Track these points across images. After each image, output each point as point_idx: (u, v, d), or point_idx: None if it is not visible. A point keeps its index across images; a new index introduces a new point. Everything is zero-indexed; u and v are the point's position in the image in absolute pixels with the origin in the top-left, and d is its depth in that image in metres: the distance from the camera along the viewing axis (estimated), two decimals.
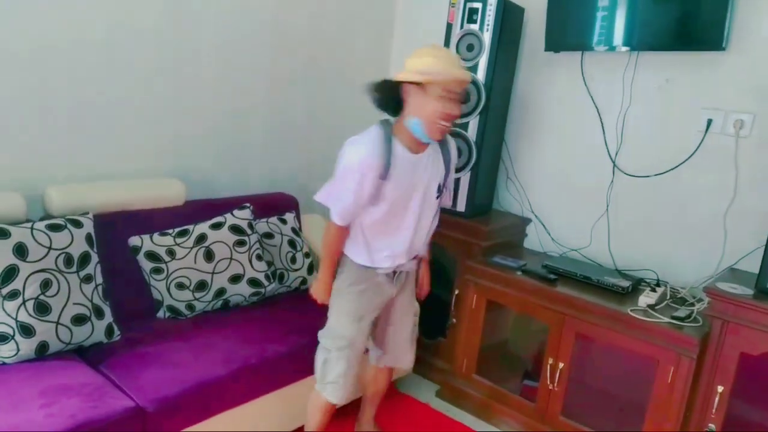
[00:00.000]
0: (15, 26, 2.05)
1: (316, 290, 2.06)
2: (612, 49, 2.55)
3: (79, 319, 1.91)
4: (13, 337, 1.78)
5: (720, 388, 2.05)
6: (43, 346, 1.83)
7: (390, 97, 1.82)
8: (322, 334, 2.05)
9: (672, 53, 2.47)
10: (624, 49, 2.53)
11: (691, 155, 2.44)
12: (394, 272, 2.02)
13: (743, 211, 2.35)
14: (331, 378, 2.00)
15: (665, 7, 2.41)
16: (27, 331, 1.79)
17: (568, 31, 2.67)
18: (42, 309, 1.83)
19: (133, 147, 2.47)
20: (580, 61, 2.71)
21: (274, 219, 2.67)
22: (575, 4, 2.62)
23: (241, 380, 1.98)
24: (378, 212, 1.87)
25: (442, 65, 1.73)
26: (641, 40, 2.49)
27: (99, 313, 1.98)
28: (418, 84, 1.73)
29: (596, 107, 2.70)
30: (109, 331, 2.00)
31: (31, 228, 1.89)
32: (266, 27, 2.82)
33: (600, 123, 2.69)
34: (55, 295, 1.86)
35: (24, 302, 1.80)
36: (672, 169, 2.50)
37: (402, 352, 2.21)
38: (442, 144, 1.95)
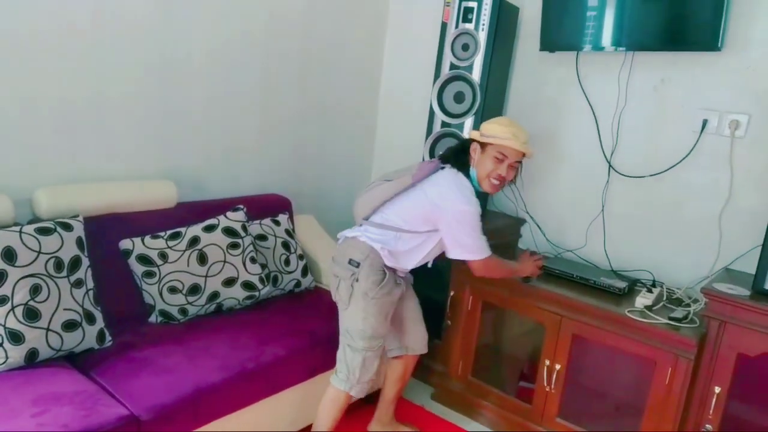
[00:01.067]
0: (1, 27, 1.99)
1: (533, 269, 2.35)
2: (605, 48, 2.54)
3: (69, 325, 1.86)
4: (1, 344, 1.73)
5: (717, 389, 2.05)
6: (32, 354, 1.78)
7: (461, 149, 2.17)
8: (353, 337, 2.08)
9: (667, 53, 2.47)
10: (619, 49, 2.52)
11: (687, 155, 2.44)
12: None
13: (738, 211, 2.35)
14: (367, 377, 2.10)
15: (659, 7, 2.41)
16: (16, 338, 1.75)
17: (563, 31, 2.65)
18: (31, 315, 1.78)
19: (124, 148, 2.42)
20: (575, 61, 2.70)
21: (267, 221, 2.63)
22: (570, 4, 2.60)
23: (238, 385, 1.94)
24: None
25: (502, 133, 2.06)
26: (636, 40, 2.49)
27: (90, 319, 1.93)
28: (481, 144, 2.10)
29: (591, 107, 2.69)
30: (100, 336, 1.96)
31: (20, 231, 1.84)
32: (258, 27, 2.79)
33: (595, 123, 2.69)
34: (44, 300, 1.81)
35: (13, 308, 1.75)
36: (667, 169, 2.50)
37: (419, 332, 2.37)
38: None
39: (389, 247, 2.07)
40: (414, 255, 2.14)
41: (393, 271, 2.11)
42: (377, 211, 2.16)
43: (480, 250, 2.08)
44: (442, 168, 2.15)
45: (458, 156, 2.15)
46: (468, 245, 2.07)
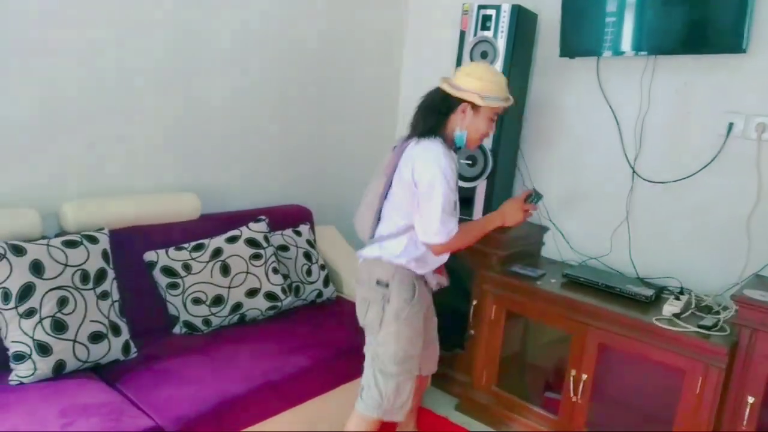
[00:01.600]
0: (30, 45, 2.04)
1: (516, 212, 2.02)
2: (627, 53, 2.52)
3: (96, 337, 1.88)
4: (30, 356, 1.76)
5: (751, 399, 2.00)
6: (60, 365, 1.80)
7: (446, 106, 1.92)
8: (384, 362, 1.94)
9: (690, 56, 2.43)
10: (640, 53, 2.49)
11: (713, 160, 2.40)
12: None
13: (767, 216, 2.30)
14: (401, 402, 1.98)
15: (680, 10, 2.38)
16: (44, 349, 1.77)
17: (583, 37, 2.63)
18: (59, 327, 1.80)
19: (148, 161, 2.46)
20: (596, 66, 2.68)
21: (288, 231, 2.64)
22: (590, 9, 2.58)
23: (261, 396, 1.94)
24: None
25: (499, 92, 1.92)
26: (657, 44, 2.46)
27: (116, 331, 1.95)
28: (473, 105, 1.89)
29: (613, 113, 2.66)
30: (125, 348, 1.98)
31: (47, 245, 1.87)
32: (277, 42, 2.81)
33: (617, 128, 2.65)
34: (71, 312, 1.84)
35: (41, 320, 1.78)
36: (693, 174, 2.45)
37: (435, 352, 2.27)
38: None
39: (414, 256, 1.93)
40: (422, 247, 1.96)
41: (423, 281, 2.02)
42: (381, 220, 2.00)
43: (437, 229, 1.84)
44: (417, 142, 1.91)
45: (440, 113, 1.92)
46: (429, 223, 1.85)
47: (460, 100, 1.90)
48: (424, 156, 1.85)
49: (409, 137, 1.95)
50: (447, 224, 1.84)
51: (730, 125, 2.35)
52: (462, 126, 1.92)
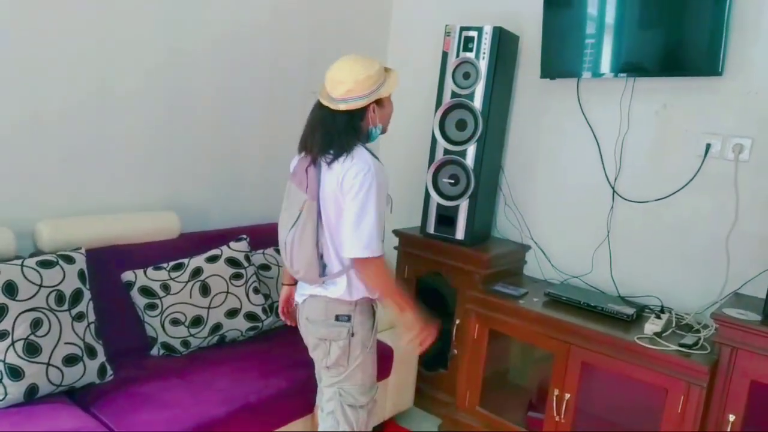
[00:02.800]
0: (6, 60, 2.01)
1: (423, 334, 1.81)
2: (605, 75, 2.56)
3: (70, 360, 1.83)
4: (0, 380, 1.70)
5: (732, 417, 2.01)
6: (32, 389, 1.75)
7: (359, 119, 1.79)
8: (353, 395, 1.86)
9: (668, 79, 2.48)
10: (619, 75, 2.53)
11: (691, 180, 2.43)
12: None
13: (745, 235, 2.33)
14: (371, 425, 1.95)
15: (658, 33, 2.43)
16: (15, 373, 1.72)
17: (563, 59, 2.67)
18: (32, 350, 1.75)
19: (127, 180, 2.42)
20: (576, 87, 2.71)
21: (270, 250, 2.62)
22: (570, 32, 2.63)
23: (241, 420, 1.90)
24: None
25: (381, 74, 1.79)
26: (636, 66, 2.50)
27: (91, 353, 1.90)
28: (377, 99, 1.79)
29: (593, 133, 2.69)
30: (101, 371, 1.93)
31: (21, 265, 1.83)
32: (262, 59, 2.82)
33: (598, 149, 2.68)
34: (45, 334, 1.79)
35: (13, 343, 1.73)
36: (672, 194, 2.48)
37: None
38: None
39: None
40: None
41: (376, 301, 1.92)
42: (325, 254, 1.80)
43: (366, 243, 1.69)
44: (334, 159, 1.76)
45: (351, 138, 1.77)
46: (362, 234, 1.69)
47: (366, 107, 1.77)
48: (355, 165, 1.72)
49: (322, 160, 1.77)
50: (378, 238, 1.71)
51: (708, 146, 2.39)
52: (375, 123, 1.81)
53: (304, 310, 1.88)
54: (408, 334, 1.83)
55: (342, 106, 1.76)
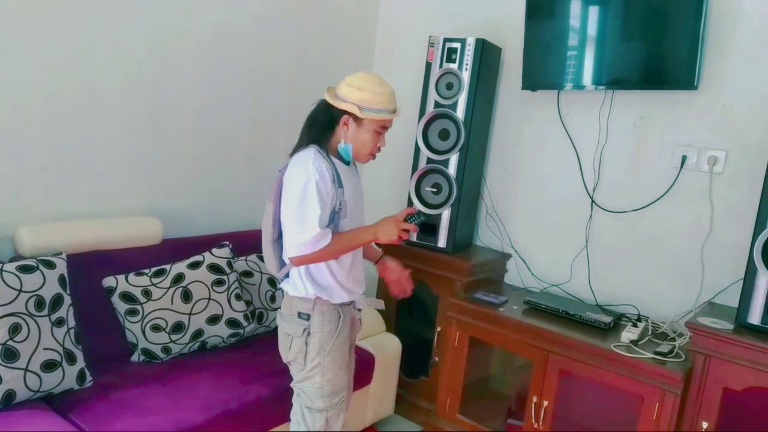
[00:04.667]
0: None
1: (389, 230, 1.80)
2: (586, 87, 2.61)
3: (49, 365, 1.82)
4: None
5: (705, 424, 2.05)
6: (9, 395, 1.74)
7: (328, 118, 1.82)
8: (309, 397, 1.86)
9: (646, 92, 2.53)
10: (599, 87, 2.59)
11: (668, 191, 2.49)
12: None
13: (719, 245, 2.38)
14: None
15: (637, 47, 2.49)
16: None
17: (545, 71, 2.72)
18: (10, 355, 1.74)
19: (109, 184, 2.42)
20: (557, 99, 2.76)
21: (252, 257, 2.62)
22: (551, 44, 2.68)
23: (221, 426, 1.91)
24: (347, 225, 1.84)
25: (383, 104, 1.78)
26: (615, 79, 2.55)
27: (70, 359, 1.89)
28: (354, 116, 1.78)
29: (573, 144, 2.74)
30: (80, 377, 1.92)
31: (1, 270, 1.82)
32: (248, 67, 2.83)
33: (577, 159, 2.73)
34: (24, 340, 1.78)
35: None
36: (649, 204, 2.53)
37: (351, 390, 2.11)
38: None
39: (323, 283, 1.83)
40: (330, 274, 1.85)
41: (349, 304, 1.93)
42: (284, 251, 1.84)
43: (302, 240, 1.71)
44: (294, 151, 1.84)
45: (324, 126, 1.83)
46: (293, 233, 1.73)
47: (343, 112, 1.79)
48: (295, 164, 1.77)
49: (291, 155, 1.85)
50: (318, 232, 1.71)
51: (684, 158, 2.44)
52: (346, 139, 1.81)
53: (281, 304, 1.95)
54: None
55: (327, 96, 1.83)
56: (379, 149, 1.87)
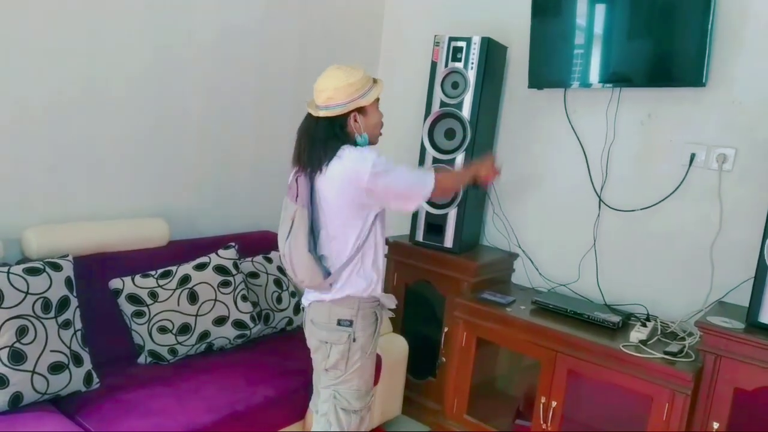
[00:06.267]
0: None
1: (490, 167, 2.06)
2: (593, 85, 2.59)
3: (56, 368, 1.83)
4: None
5: (716, 425, 2.03)
6: (17, 398, 1.74)
7: (338, 128, 1.83)
8: (348, 399, 1.89)
9: (653, 89, 2.51)
10: (606, 85, 2.57)
11: (676, 189, 2.46)
12: None
13: (729, 244, 2.36)
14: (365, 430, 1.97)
15: (645, 44, 2.47)
16: (0, 381, 1.71)
17: (551, 69, 2.70)
18: (17, 358, 1.74)
19: (116, 187, 2.42)
20: (563, 97, 2.74)
21: (259, 258, 2.62)
22: (557, 42, 2.66)
23: (227, 428, 1.90)
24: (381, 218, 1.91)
25: (367, 82, 1.84)
26: (622, 76, 2.53)
27: (77, 361, 1.90)
28: (359, 108, 1.82)
29: (580, 143, 2.72)
30: (87, 379, 1.92)
31: (8, 272, 1.82)
32: (252, 67, 2.83)
33: (584, 158, 2.71)
34: (31, 342, 1.78)
35: None
36: (657, 203, 2.51)
37: None
38: None
39: (369, 276, 1.87)
40: (379, 248, 1.91)
41: (381, 307, 1.96)
42: (324, 258, 1.86)
43: (421, 186, 1.85)
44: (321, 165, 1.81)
45: (334, 144, 1.82)
46: (408, 189, 1.85)
47: (347, 114, 1.81)
48: (353, 159, 1.78)
49: (309, 168, 1.82)
50: (422, 178, 1.86)
51: (692, 156, 2.42)
52: (359, 131, 1.84)
53: (310, 313, 1.93)
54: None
55: (322, 113, 1.82)
56: (381, 122, 1.94)
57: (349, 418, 1.91)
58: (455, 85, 2.71)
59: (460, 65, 2.68)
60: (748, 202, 2.31)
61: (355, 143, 1.85)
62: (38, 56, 2.11)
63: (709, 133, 2.39)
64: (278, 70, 2.95)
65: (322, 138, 1.82)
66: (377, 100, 1.87)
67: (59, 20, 2.14)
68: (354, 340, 1.86)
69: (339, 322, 1.86)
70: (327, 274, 1.84)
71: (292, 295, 2.64)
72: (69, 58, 2.19)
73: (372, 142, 1.90)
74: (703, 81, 2.32)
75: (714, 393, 2.03)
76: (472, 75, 2.66)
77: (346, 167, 1.78)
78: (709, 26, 2.26)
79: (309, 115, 1.87)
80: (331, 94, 1.79)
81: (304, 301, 1.97)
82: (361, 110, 1.83)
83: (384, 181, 1.78)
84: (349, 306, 1.86)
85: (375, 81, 1.88)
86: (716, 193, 2.38)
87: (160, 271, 2.28)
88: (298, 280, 1.90)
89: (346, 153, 1.80)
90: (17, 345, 1.75)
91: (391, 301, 1.98)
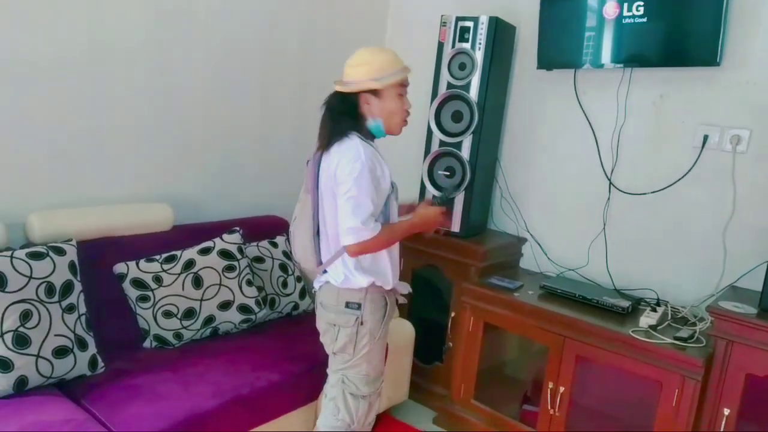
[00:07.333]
0: None
1: (435, 217, 1.90)
2: (604, 66, 2.53)
3: (60, 352, 1.82)
4: None
5: (726, 411, 1.99)
6: (22, 381, 1.74)
7: (349, 106, 1.82)
8: (356, 384, 1.89)
9: (666, 69, 2.45)
10: (617, 65, 2.51)
11: (688, 171, 2.41)
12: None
13: (742, 227, 2.31)
14: (370, 419, 1.96)
15: (658, 23, 2.40)
16: (5, 365, 1.71)
17: (561, 50, 2.64)
18: (21, 341, 1.74)
19: (120, 171, 2.41)
20: (573, 78, 2.68)
21: (264, 243, 2.60)
22: (567, 22, 2.60)
23: (232, 412, 1.90)
24: (394, 208, 1.86)
25: (394, 64, 1.80)
26: (634, 56, 2.47)
27: (82, 345, 1.89)
28: (373, 91, 1.79)
29: (590, 124, 2.67)
30: (92, 363, 1.92)
31: (11, 256, 1.81)
32: (255, 52, 2.79)
33: (594, 140, 2.66)
34: (35, 326, 1.78)
35: (2, 335, 1.72)
36: (669, 185, 2.46)
37: None
38: None
39: (372, 270, 1.84)
40: (383, 257, 1.88)
41: (393, 295, 1.96)
42: (327, 243, 1.88)
43: (357, 229, 1.71)
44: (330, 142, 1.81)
45: (350, 116, 1.83)
46: (346, 220, 1.72)
47: (358, 93, 1.80)
48: (346, 153, 1.75)
49: (320, 148, 1.85)
50: (370, 220, 1.72)
51: (705, 137, 2.36)
52: (374, 115, 1.82)
53: (320, 295, 1.93)
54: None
55: (337, 88, 1.84)
56: (408, 112, 1.87)
57: (357, 403, 1.90)
58: (462, 67, 2.66)
59: (467, 46, 2.63)
60: (762, 184, 2.26)
61: (369, 131, 1.85)
62: (39, 40, 2.09)
63: (722, 114, 2.33)
64: (282, 53, 2.91)
65: (333, 113, 1.83)
66: (400, 86, 1.82)
67: (61, 6, 2.11)
68: (362, 324, 1.85)
69: (347, 305, 1.84)
70: (320, 262, 1.88)
71: (298, 279, 2.62)
72: (70, 40, 2.16)
73: (389, 130, 1.87)
74: (718, 60, 2.25)
75: (725, 379, 1.99)
76: (479, 56, 2.61)
77: (337, 154, 1.77)
78: (725, 4, 2.19)
79: (331, 93, 1.88)
80: (348, 71, 1.82)
81: (316, 284, 1.97)
82: (376, 93, 1.79)
83: (345, 190, 1.73)
84: (356, 289, 1.84)
85: (403, 69, 1.83)
86: (730, 175, 2.32)
87: (164, 255, 2.27)
88: (296, 259, 1.97)
89: (346, 141, 1.78)
90: (21, 329, 1.75)
91: (404, 288, 1.98)
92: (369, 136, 1.86)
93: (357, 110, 1.82)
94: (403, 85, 1.83)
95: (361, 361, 1.87)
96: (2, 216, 2.01)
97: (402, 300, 2.03)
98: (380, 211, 1.81)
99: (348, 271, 1.84)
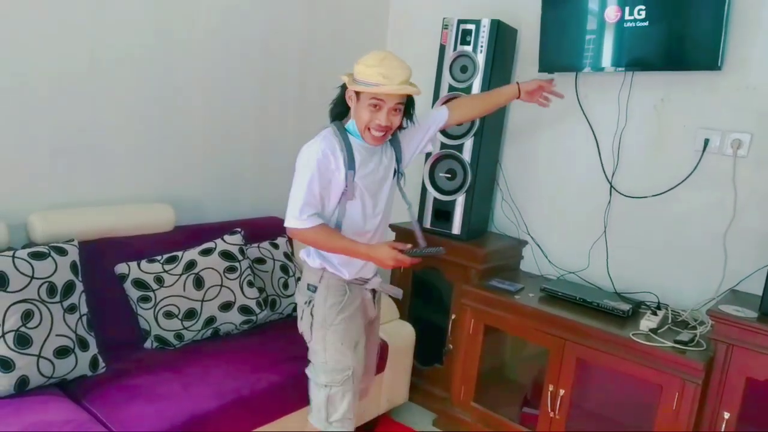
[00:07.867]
0: None
1: (390, 257, 1.73)
2: (605, 69, 2.54)
3: (61, 352, 1.82)
4: None
5: (726, 415, 2.00)
6: (23, 381, 1.74)
7: (340, 97, 1.86)
8: (315, 371, 1.91)
9: (667, 73, 2.45)
10: (618, 69, 2.51)
11: (689, 175, 2.41)
12: (374, 291, 2.00)
13: (743, 231, 2.31)
14: (339, 415, 1.89)
15: (658, 28, 2.40)
16: (6, 365, 1.71)
17: (562, 53, 2.65)
18: (23, 341, 1.74)
19: (122, 172, 2.41)
20: (575, 81, 2.69)
21: (265, 244, 2.60)
22: (568, 25, 2.60)
23: (233, 413, 1.90)
24: (356, 207, 1.84)
25: (371, 77, 1.71)
26: (635, 60, 2.47)
27: (83, 345, 1.90)
28: (355, 91, 1.77)
29: (591, 127, 2.67)
30: (93, 363, 1.92)
31: (13, 256, 1.82)
32: (256, 53, 2.80)
33: (595, 143, 2.67)
34: (36, 326, 1.78)
35: (3, 334, 1.72)
36: (670, 189, 2.46)
37: (371, 377, 2.19)
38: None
39: (334, 258, 1.85)
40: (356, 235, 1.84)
41: (368, 291, 1.95)
42: None
43: (291, 214, 1.75)
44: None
45: (335, 107, 1.87)
46: (290, 203, 1.77)
47: (347, 90, 1.80)
48: (309, 143, 1.81)
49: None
50: (304, 210, 1.74)
51: (706, 141, 2.37)
52: (353, 114, 1.81)
53: None
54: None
55: (343, 76, 1.84)
56: (385, 128, 1.77)
57: (318, 390, 1.90)
58: (464, 69, 2.67)
59: (469, 48, 2.64)
60: (763, 188, 2.26)
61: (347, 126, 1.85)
62: (40, 41, 2.09)
63: (723, 118, 2.34)
64: (282, 54, 2.92)
65: (335, 99, 1.88)
66: (375, 98, 1.73)
67: (60, 4, 2.12)
68: (313, 306, 1.87)
69: (308, 286, 1.90)
70: None
71: (299, 281, 2.62)
72: (72, 42, 2.17)
73: (364, 137, 1.80)
74: (719, 64, 2.26)
75: (725, 383, 2.00)
76: (481, 58, 2.62)
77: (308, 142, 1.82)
78: (725, 8, 2.20)
79: None
80: (355, 65, 1.79)
81: None
82: (357, 95, 1.77)
83: (294, 177, 1.79)
84: (314, 272, 1.89)
85: (384, 86, 1.71)
86: (730, 179, 2.33)
87: (165, 256, 2.27)
88: None
89: (321, 132, 1.83)
90: (23, 329, 1.75)
91: (393, 290, 1.98)
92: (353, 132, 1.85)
93: (346, 105, 1.84)
94: (379, 99, 1.73)
95: (319, 348, 1.89)
96: (4, 216, 2.01)
97: (368, 296, 1.98)
98: (334, 208, 1.82)
99: (308, 248, 1.90)
